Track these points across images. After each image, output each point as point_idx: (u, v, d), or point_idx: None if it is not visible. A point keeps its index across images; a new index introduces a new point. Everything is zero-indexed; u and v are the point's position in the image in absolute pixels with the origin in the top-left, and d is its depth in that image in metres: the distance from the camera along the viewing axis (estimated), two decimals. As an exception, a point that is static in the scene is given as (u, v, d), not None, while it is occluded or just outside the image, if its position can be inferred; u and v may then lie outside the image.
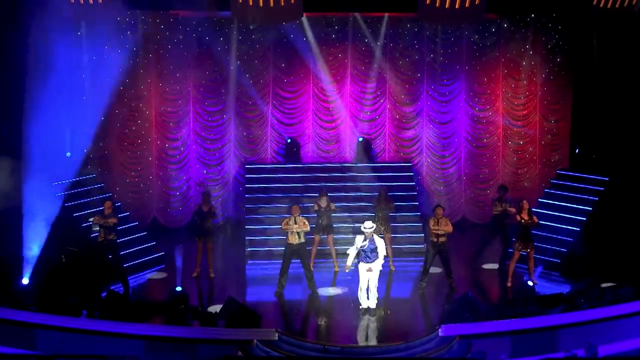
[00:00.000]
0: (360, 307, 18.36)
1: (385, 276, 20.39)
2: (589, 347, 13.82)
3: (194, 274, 20.71)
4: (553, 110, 25.59)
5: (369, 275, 18.25)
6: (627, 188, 22.57)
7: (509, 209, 20.94)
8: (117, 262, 19.81)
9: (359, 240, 18.15)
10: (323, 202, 21.10)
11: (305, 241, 19.62)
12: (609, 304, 17.11)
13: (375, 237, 18.21)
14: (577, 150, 24.88)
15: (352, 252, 18.33)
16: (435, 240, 19.58)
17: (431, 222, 19.64)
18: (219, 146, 24.72)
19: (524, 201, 20.01)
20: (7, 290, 18.21)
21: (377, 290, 18.42)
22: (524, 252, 20.02)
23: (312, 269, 19.95)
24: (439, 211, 19.58)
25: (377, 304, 18.42)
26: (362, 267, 18.29)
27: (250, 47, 24.27)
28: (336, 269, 21.14)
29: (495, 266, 21.45)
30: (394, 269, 21.16)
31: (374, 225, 18.41)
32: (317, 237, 21.22)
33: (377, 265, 18.22)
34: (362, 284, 18.36)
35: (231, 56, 24.21)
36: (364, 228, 18.06)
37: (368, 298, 18.37)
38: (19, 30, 20.03)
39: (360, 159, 24.93)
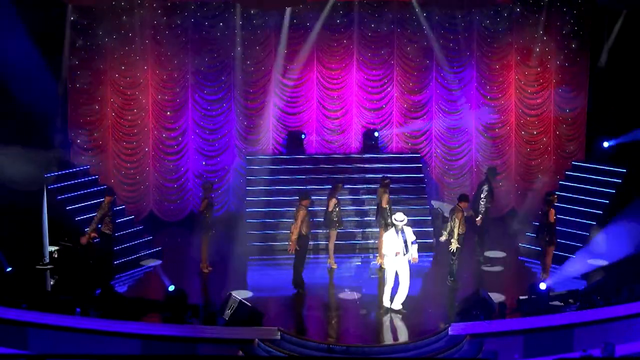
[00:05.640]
0: (382, 308, 17.94)
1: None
2: (606, 347, 13.71)
3: (205, 270, 20.52)
4: (568, 98, 24.98)
5: (400, 271, 17.77)
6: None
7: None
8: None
9: (391, 237, 17.74)
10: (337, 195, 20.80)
11: None
12: (626, 302, 17.09)
13: (406, 228, 17.84)
14: (605, 144, 23.97)
15: (388, 251, 17.86)
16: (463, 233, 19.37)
17: (460, 216, 19.30)
18: (219, 136, 24.20)
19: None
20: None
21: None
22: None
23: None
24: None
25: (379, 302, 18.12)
26: (392, 262, 17.76)
27: (252, 32, 23.80)
28: (334, 265, 20.71)
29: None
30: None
31: (405, 218, 17.97)
32: (333, 232, 20.73)
33: (408, 258, 17.81)
34: (390, 281, 17.87)
35: (231, 42, 23.73)
36: (396, 220, 17.82)
37: (391, 298, 17.93)
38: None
39: (367, 149, 24.53)
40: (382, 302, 17.92)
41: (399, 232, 17.69)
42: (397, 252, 17.59)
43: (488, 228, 21.18)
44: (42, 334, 16.09)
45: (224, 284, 19.64)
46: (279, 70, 24.12)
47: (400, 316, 17.77)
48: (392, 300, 17.85)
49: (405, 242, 17.68)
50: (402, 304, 17.81)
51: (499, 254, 21.50)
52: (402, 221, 17.72)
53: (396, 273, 17.81)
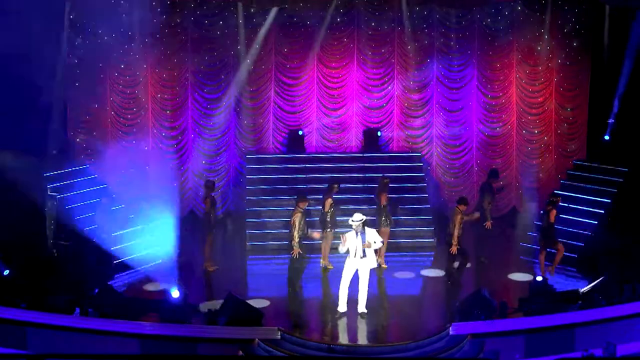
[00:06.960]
0: (337, 310, 17.51)
1: (391, 271, 20.21)
2: (607, 346, 13.81)
3: (210, 268, 20.41)
4: (569, 97, 24.91)
5: (360, 274, 17.27)
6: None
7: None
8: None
9: (351, 238, 17.10)
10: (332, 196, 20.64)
11: None
12: (628, 301, 16.99)
13: (367, 229, 17.20)
14: (606, 137, 23.89)
15: (342, 250, 17.37)
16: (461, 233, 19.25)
17: (459, 218, 19.17)
18: (219, 135, 24.11)
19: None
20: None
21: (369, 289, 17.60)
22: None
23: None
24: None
25: (380, 302, 17.93)
26: (351, 263, 17.27)
27: (252, 31, 23.69)
28: (329, 266, 20.40)
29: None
30: (385, 267, 20.39)
31: (363, 217, 17.22)
32: (329, 233, 20.45)
33: (369, 262, 17.24)
34: (345, 282, 17.37)
35: (231, 41, 23.68)
36: (352, 221, 17.06)
37: (357, 301, 17.45)
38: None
39: (368, 148, 24.40)
40: (339, 306, 17.49)
41: (358, 233, 16.97)
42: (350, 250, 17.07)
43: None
44: (41, 334, 15.98)
45: (224, 283, 19.48)
46: (278, 68, 24.08)
47: (402, 315, 17.75)
48: (346, 303, 17.47)
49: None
50: (402, 303, 17.68)
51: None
52: (359, 221, 16.95)
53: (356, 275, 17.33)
